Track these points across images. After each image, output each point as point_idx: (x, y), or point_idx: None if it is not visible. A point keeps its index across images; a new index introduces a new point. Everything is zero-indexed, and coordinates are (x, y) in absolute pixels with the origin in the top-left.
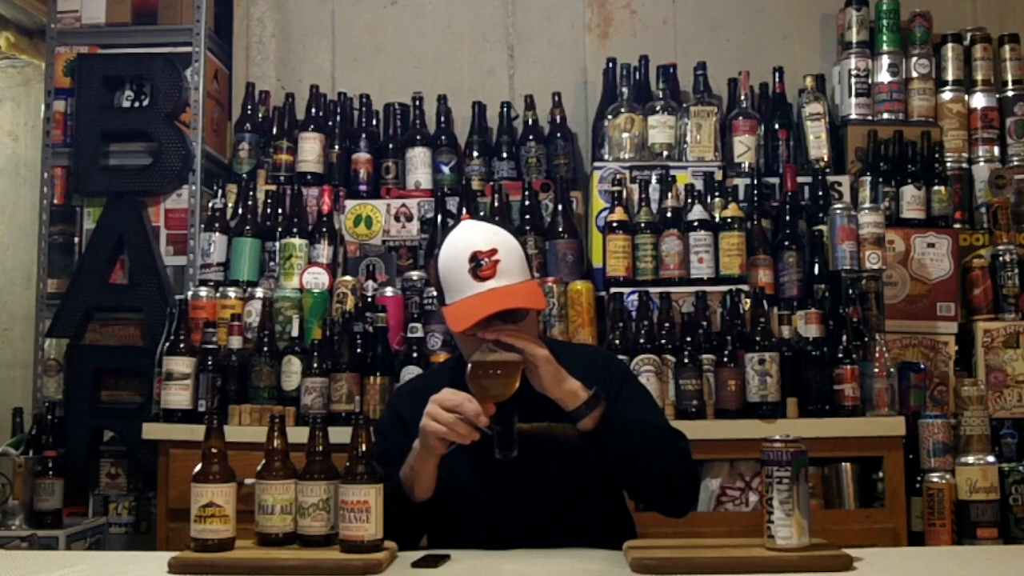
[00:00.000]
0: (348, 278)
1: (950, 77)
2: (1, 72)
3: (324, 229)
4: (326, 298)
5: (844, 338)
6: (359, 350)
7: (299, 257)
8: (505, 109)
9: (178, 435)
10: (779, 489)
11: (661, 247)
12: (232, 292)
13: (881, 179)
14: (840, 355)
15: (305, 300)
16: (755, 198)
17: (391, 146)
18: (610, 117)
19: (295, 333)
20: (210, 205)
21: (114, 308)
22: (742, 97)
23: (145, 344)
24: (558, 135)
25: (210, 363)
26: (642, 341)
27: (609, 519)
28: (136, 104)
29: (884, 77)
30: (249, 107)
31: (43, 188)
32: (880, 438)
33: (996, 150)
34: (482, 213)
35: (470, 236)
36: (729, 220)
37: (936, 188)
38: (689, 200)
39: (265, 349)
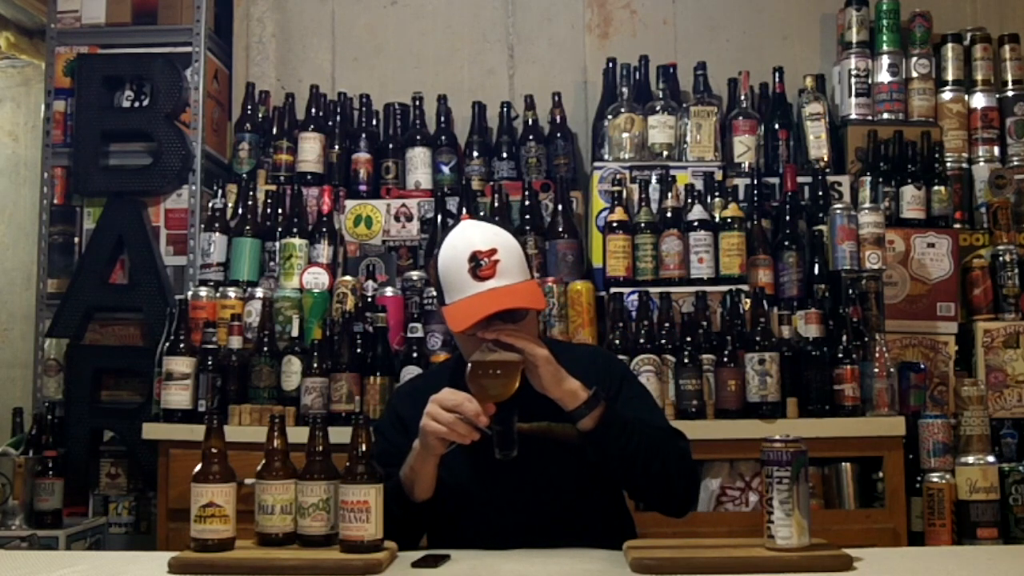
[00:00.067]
0: (348, 278)
1: (950, 77)
2: (1, 72)
3: (324, 229)
4: (326, 298)
5: (844, 338)
6: (359, 350)
7: (299, 257)
8: (505, 109)
9: (178, 435)
10: (779, 489)
11: (661, 247)
12: (232, 292)
13: (881, 179)
14: (840, 355)
15: (305, 300)
16: (755, 198)
17: (391, 146)
18: (610, 117)
19: (295, 333)
20: (210, 205)
21: (114, 308)
22: (742, 97)
23: (145, 344)
24: (558, 135)
25: (210, 363)
26: (642, 341)
27: (609, 519)
28: (136, 104)
29: (884, 77)
30: (249, 107)
31: (43, 188)
32: (880, 438)
33: (996, 150)
34: (482, 213)
35: (470, 236)
36: (729, 220)
37: (936, 188)
38: (689, 200)
39: (265, 349)
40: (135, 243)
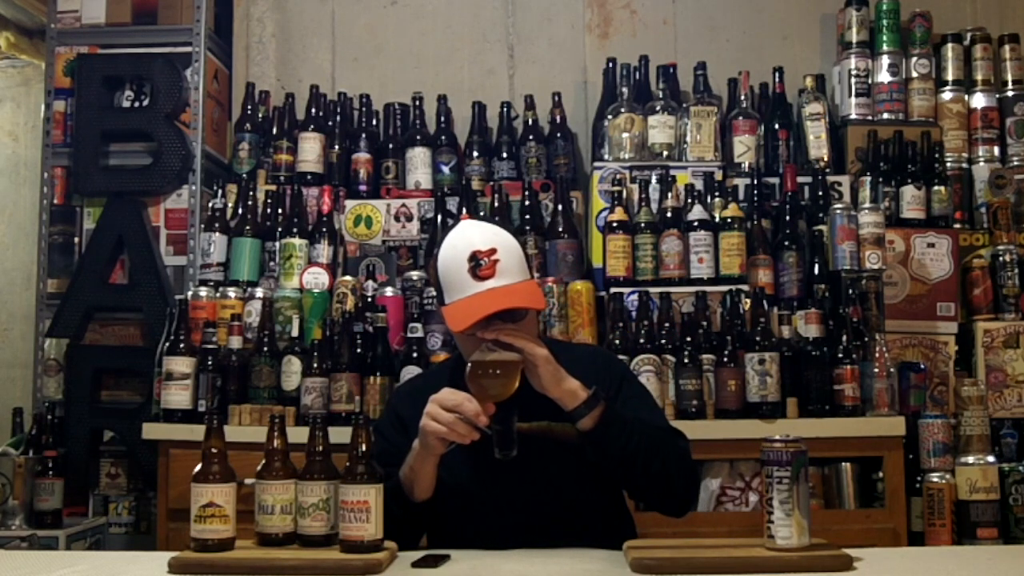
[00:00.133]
0: (348, 278)
1: (950, 77)
2: (1, 72)
3: (324, 229)
4: (326, 298)
5: (844, 338)
6: (359, 350)
7: (299, 257)
8: (505, 109)
9: (178, 435)
10: (779, 489)
11: (661, 247)
12: (232, 292)
13: (881, 179)
14: (840, 355)
15: (305, 300)
16: (755, 198)
17: (391, 146)
18: (610, 117)
19: (295, 333)
20: (210, 205)
21: (114, 308)
22: (742, 97)
23: (145, 344)
24: (558, 135)
25: (210, 363)
26: (642, 341)
27: (609, 519)
28: (136, 104)
29: (884, 77)
30: (249, 107)
31: (43, 188)
32: (880, 438)
33: (996, 150)
34: (482, 213)
35: (469, 236)
36: (729, 220)
37: (936, 188)
38: (689, 200)
39: (265, 349)
40: (135, 243)
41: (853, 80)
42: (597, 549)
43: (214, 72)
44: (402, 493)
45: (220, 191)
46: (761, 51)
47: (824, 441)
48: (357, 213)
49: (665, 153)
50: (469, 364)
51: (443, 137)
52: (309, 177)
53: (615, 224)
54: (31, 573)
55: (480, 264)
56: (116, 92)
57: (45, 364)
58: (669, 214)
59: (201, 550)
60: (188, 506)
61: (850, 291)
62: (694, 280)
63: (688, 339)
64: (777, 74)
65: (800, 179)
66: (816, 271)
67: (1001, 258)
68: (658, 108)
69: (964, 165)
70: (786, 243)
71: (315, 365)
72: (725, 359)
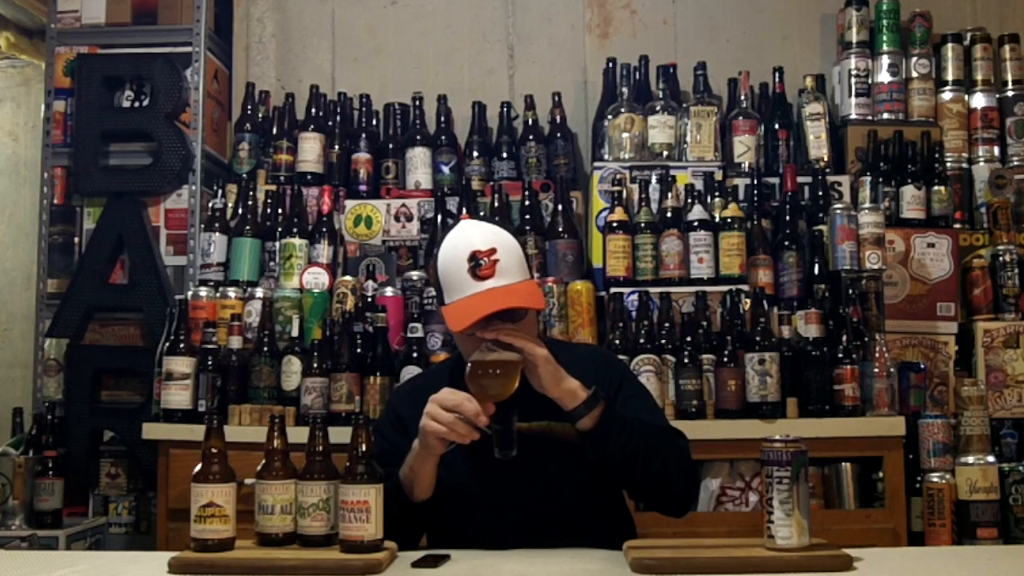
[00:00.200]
0: (348, 278)
1: (950, 77)
2: (1, 72)
3: (324, 229)
4: (326, 298)
5: (844, 338)
6: (359, 350)
7: (299, 257)
8: (505, 109)
9: (178, 435)
10: (779, 489)
11: (661, 247)
12: (232, 292)
13: (881, 179)
14: (840, 355)
15: (305, 300)
16: (755, 198)
17: (391, 146)
18: (610, 117)
19: (295, 333)
20: (210, 205)
21: (114, 308)
22: (742, 97)
23: (145, 344)
24: (558, 135)
25: (210, 363)
26: (642, 341)
27: (609, 519)
28: (136, 104)
29: (884, 77)
30: (249, 107)
31: (43, 188)
32: (880, 438)
33: (996, 150)
34: (482, 213)
35: (469, 236)
36: (729, 220)
37: (936, 188)
38: (689, 200)
39: (265, 349)
40: (135, 243)
41: (853, 80)
42: (597, 549)
43: (214, 72)
44: (402, 493)
45: (220, 191)
46: (761, 51)
47: (824, 441)
48: (357, 213)
49: (665, 153)
50: (469, 364)
51: (443, 137)
52: (309, 177)
53: (615, 224)
54: (31, 573)
55: (480, 264)
56: (116, 92)
57: (45, 364)
58: (669, 214)
59: (201, 550)
60: (188, 506)
61: (850, 291)
62: (694, 280)
63: (688, 339)
64: (777, 74)
65: (800, 179)
66: (816, 271)
67: (1001, 258)
68: (658, 108)
69: (964, 165)
70: (786, 243)
71: (315, 365)
72: (725, 359)
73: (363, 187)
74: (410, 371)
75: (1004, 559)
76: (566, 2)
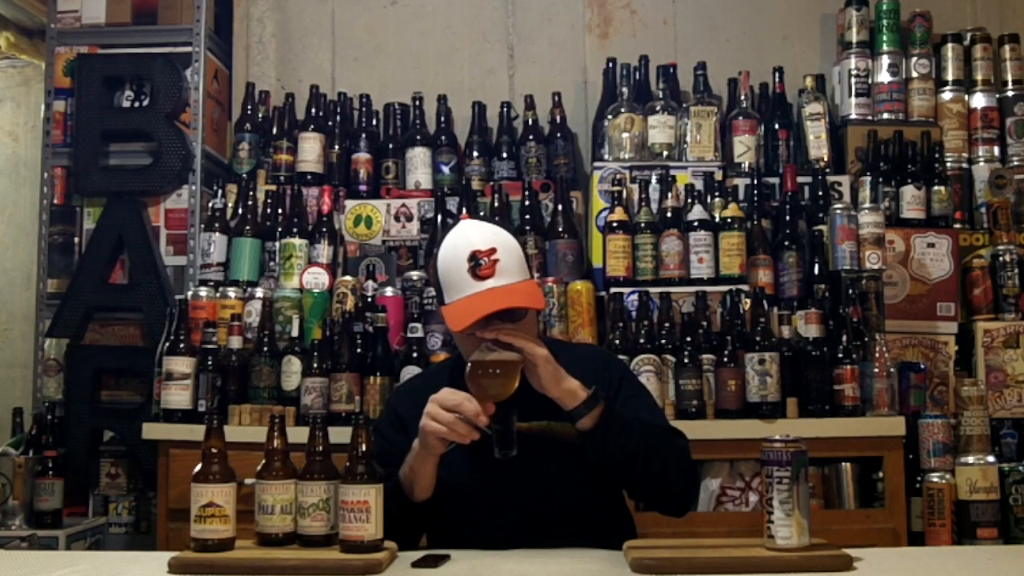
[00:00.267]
0: (348, 278)
1: (950, 77)
2: (1, 72)
3: (324, 229)
4: (326, 298)
5: (844, 338)
6: (359, 350)
7: (299, 257)
8: (505, 109)
9: (178, 435)
10: (779, 489)
11: (661, 247)
12: (232, 292)
13: (881, 179)
14: (840, 355)
15: (305, 300)
16: (755, 198)
17: (391, 146)
18: (610, 117)
19: (295, 333)
20: (210, 205)
21: (114, 308)
22: (742, 97)
23: (145, 344)
24: (558, 135)
25: (210, 363)
26: (642, 341)
27: (609, 519)
28: (136, 104)
29: (884, 77)
30: (249, 107)
31: (43, 188)
32: (880, 438)
33: (996, 150)
34: (482, 213)
35: (469, 236)
36: (729, 220)
37: (936, 188)
38: (689, 200)
39: (265, 349)
40: (135, 243)
41: (853, 80)
42: (597, 549)
43: (214, 72)
44: (402, 493)
45: (220, 191)
46: (761, 51)
47: (824, 441)
48: (357, 213)
49: (665, 153)
50: (469, 364)
51: (443, 137)
52: (309, 177)
53: (615, 224)
54: (31, 573)
55: (480, 264)
56: (116, 92)
57: (45, 364)
58: (669, 214)
59: (201, 550)
60: (188, 506)
61: (850, 291)
62: (694, 280)
63: (688, 339)
64: (777, 74)
65: (800, 179)
66: (816, 271)
67: (1001, 258)
68: (658, 108)
69: (964, 165)
70: (786, 243)
71: (315, 365)
72: (725, 359)
73: (363, 187)
74: (410, 371)
75: (1004, 559)
76: (566, 2)
